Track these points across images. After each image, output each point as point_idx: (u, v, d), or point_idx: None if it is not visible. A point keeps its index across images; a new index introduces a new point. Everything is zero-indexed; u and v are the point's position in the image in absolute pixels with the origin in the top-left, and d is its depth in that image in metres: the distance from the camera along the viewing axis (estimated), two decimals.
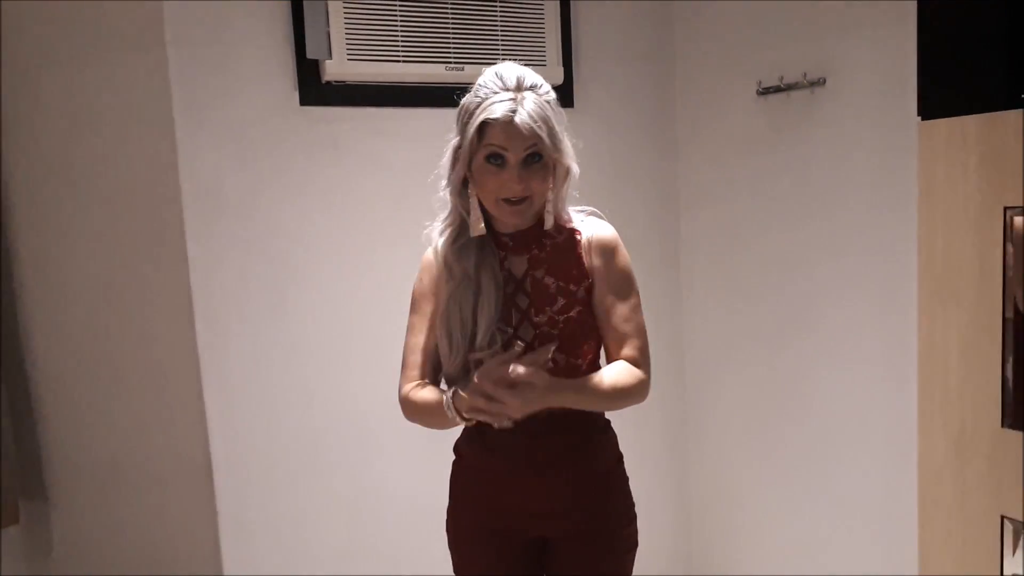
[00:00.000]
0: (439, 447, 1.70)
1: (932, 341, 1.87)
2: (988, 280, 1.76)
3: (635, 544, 1.60)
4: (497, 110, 1.39)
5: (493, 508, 1.55)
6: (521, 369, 1.33)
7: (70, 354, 2.17)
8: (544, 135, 1.40)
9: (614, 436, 1.61)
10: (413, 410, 1.52)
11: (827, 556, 2.46)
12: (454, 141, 1.46)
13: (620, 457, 1.61)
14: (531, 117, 1.38)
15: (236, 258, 2.10)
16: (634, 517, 1.60)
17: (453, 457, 1.64)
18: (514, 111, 1.38)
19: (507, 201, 1.42)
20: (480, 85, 1.43)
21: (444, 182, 1.49)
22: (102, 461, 2.18)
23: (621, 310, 1.48)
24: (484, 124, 1.40)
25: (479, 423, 1.56)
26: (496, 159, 1.41)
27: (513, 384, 1.33)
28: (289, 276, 2.18)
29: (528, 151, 1.40)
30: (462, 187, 1.47)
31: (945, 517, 1.88)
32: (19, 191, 2.12)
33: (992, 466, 1.77)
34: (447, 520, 1.63)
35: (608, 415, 1.60)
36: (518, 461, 1.51)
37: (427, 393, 1.49)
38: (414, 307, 1.56)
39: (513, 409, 1.34)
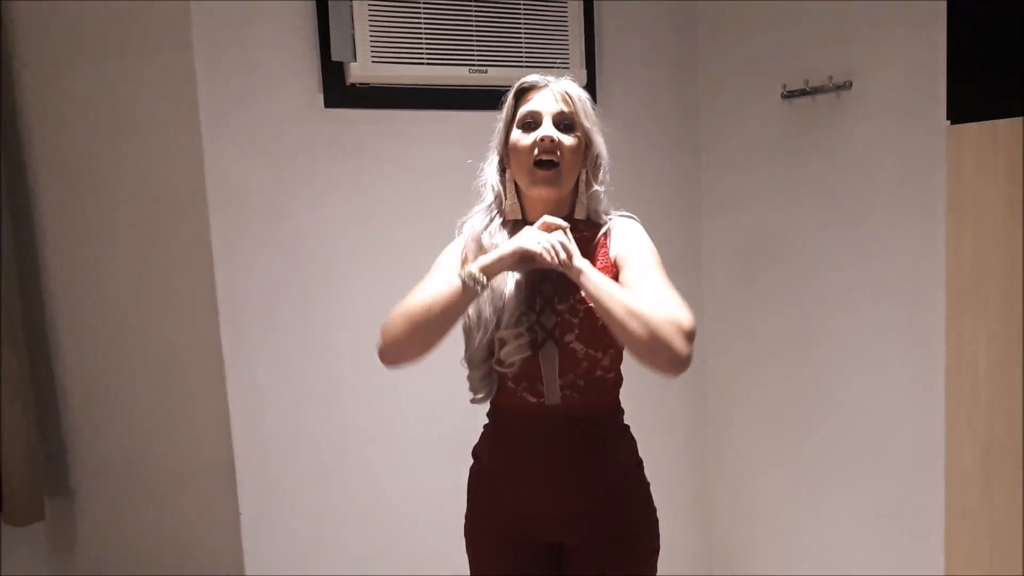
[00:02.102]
0: (461, 449, 1.70)
1: (960, 348, 1.85)
2: (1018, 287, 1.74)
3: (657, 548, 1.59)
4: (534, 77, 1.50)
5: (510, 512, 1.55)
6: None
7: (96, 354, 2.19)
8: (578, 103, 1.48)
9: (633, 440, 1.59)
10: (404, 308, 1.45)
11: (852, 563, 2.44)
12: (499, 124, 1.54)
13: (639, 461, 1.59)
14: (567, 88, 1.49)
15: (261, 259, 2.11)
16: (655, 522, 1.59)
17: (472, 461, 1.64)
18: (550, 81, 1.50)
19: (539, 165, 1.45)
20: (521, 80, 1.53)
21: (488, 164, 1.55)
22: (126, 460, 2.20)
23: (652, 280, 1.43)
24: (521, 91, 1.50)
25: (496, 412, 1.56)
26: (531, 124, 1.47)
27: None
28: (313, 277, 2.19)
29: (561, 117, 1.47)
30: (500, 170, 1.53)
31: (972, 527, 1.86)
32: (47, 193, 2.14)
33: (1022, 476, 1.75)
34: (465, 524, 1.63)
35: (628, 419, 1.59)
36: (535, 465, 1.51)
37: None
38: (433, 271, 1.55)
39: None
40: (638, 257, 1.47)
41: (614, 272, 1.48)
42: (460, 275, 1.42)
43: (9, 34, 2.06)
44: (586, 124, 1.48)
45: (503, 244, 1.46)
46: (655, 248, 1.51)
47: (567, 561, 1.56)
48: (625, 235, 1.51)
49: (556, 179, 1.46)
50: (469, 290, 1.41)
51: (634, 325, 1.33)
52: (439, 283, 1.44)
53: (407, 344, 1.46)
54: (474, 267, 1.42)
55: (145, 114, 2.07)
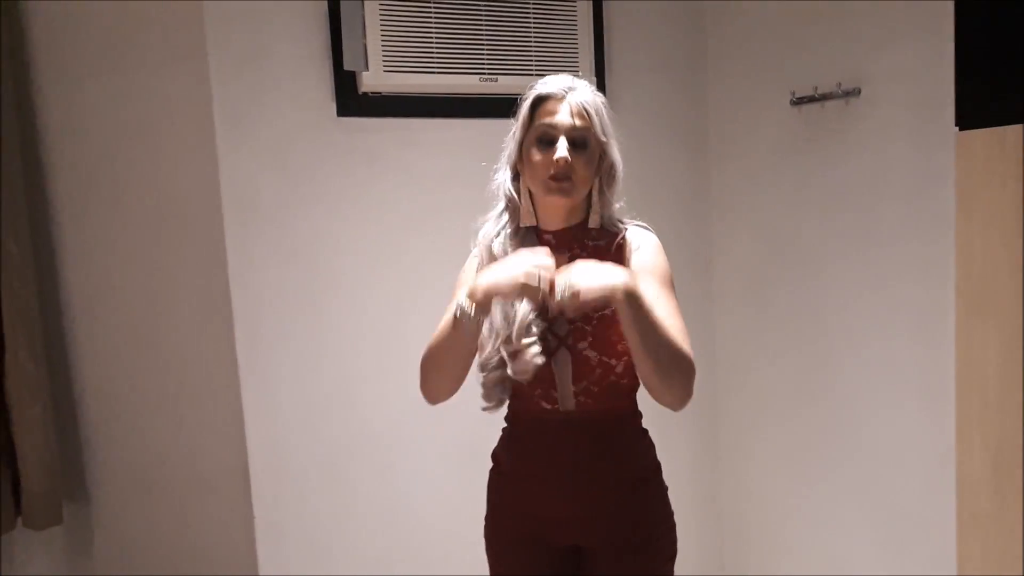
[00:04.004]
0: (475, 453, 1.71)
1: (970, 355, 1.85)
2: None
3: (674, 553, 1.60)
4: (551, 86, 1.48)
5: (530, 515, 1.55)
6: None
7: (113, 359, 2.22)
8: (594, 117, 1.46)
9: (651, 444, 1.60)
10: (428, 348, 1.48)
11: (863, 570, 2.43)
12: (513, 129, 1.52)
13: (658, 465, 1.60)
14: (584, 100, 1.46)
15: (275, 266, 2.13)
16: (673, 526, 1.59)
17: (489, 464, 1.65)
18: (567, 91, 1.47)
19: (553, 178, 1.45)
20: (537, 81, 1.51)
21: (500, 170, 1.55)
22: (143, 465, 2.23)
23: (663, 308, 1.45)
24: (537, 101, 1.48)
25: (513, 418, 1.58)
26: (545, 139, 1.46)
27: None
28: (326, 284, 2.21)
29: (576, 133, 1.45)
30: (514, 176, 1.53)
31: (984, 534, 1.86)
32: (65, 201, 2.17)
33: None
34: (485, 527, 1.64)
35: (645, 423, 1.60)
36: (553, 470, 1.52)
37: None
38: (455, 290, 1.57)
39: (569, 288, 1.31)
40: (652, 278, 1.48)
41: None
42: (456, 307, 1.40)
43: (29, 46, 2.10)
44: (602, 139, 1.48)
45: (504, 263, 1.40)
46: (668, 266, 1.52)
47: (585, 564, 1.57)
48: (642, 250, 1.52)
49: (570, 190, 1.47)
50: (462, 325, 1.39)
51: (660, 355, 1.38)
52: (445, 318, 1.45)
53: (433, 386, 1.52)
54: (462, 296, 1.38)
55: (161, 124, 2.10)
